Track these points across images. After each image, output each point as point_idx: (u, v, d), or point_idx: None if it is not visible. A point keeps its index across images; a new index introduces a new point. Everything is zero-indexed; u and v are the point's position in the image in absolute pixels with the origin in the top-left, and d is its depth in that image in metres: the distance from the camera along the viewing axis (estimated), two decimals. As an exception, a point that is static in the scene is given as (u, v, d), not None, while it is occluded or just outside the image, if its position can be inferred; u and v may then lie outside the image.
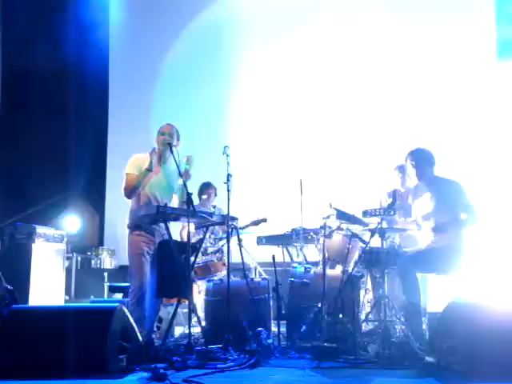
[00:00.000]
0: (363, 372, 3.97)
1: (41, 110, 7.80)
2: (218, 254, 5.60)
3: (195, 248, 4.99)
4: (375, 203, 6.01)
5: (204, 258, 5.61)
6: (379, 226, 4.65)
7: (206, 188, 6.55)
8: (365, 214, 4.77)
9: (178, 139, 4.90)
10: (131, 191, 4.80)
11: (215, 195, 6.55)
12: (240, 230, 5.48)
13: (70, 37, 7.84)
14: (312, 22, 8.17)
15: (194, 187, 6.10)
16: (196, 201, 6.39)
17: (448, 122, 7.66)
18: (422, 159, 4.97)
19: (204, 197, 6.45)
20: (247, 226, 6.14)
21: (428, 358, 4.00)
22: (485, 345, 3.67)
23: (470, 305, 4.05)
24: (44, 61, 7.61)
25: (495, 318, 3.78)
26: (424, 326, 4.61)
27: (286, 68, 8.25)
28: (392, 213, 4.78)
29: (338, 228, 5.19)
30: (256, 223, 6.21)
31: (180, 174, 4.68)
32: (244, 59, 8.33)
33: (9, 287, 5.23)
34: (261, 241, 6.05)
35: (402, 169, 6.07)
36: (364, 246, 4.86)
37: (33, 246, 6.31)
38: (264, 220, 6.18)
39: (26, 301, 5.81)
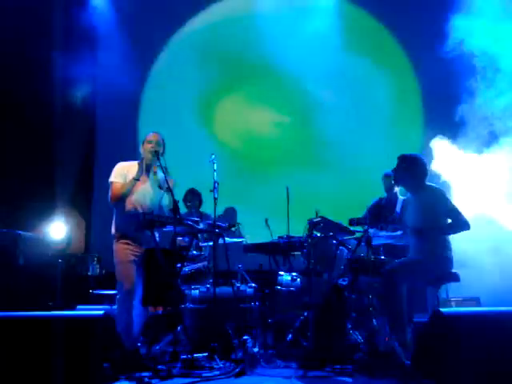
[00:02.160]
0: (349, 381, 3.98)
1: (27, 116, 7.74)
2: (204, 262, 5.58)
3: (182, 256, 4.98)
4: (361, 212, 6.05)
5: (191, 265, 5.59)
6: (365, 235, 4.67)
7: (191, 194, 6.56)
8: (351, 222, 4.79)
9: (163, 147, 4.91)
10: (117, 199, 4.81)
11: (201, 202, 6.58)
12: (226, 238, 5.49)
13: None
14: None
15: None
16: (184, 208, 6.43)
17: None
18: (401, 165, 4.90)
19: (189, 203, 6.47)
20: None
21: (413, 368, 4.00)
22: (469, 355, 3.70)
23: (454, 314, 4.06)
24: (29, 64, 7.55)
25: (481, 327, 3.81)
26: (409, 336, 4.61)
27: (271, 70, 8.24)
28: (380, 227, 4.80)
29: (325, 236, 5.18)
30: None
31: (166, 182, 4.68)
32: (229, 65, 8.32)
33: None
34: (248, 249, 6.03)
35: (386, 175, 6.12)
36: (350, 254, 4.87)
37: (18, 252, 6.26)
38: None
39: (11, 309, 5.74)
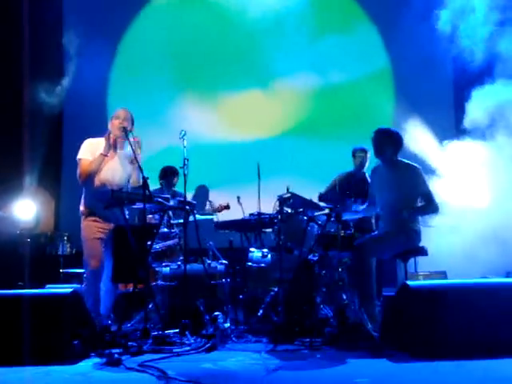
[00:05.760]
0: (318, 354, 4.04)
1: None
2: (175, 239, 5.57)
3: (152, 233, 4.96)
4: (330, 187, 6.10)
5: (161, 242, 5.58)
6: (334, 210, 4.70)
7: (168, 172, 6.50)
8: (320, 198, 4.82)
9: (132, 124, 4.86)
10: (86, 176, 4.77)
11: (177, 179, 6.52)
12: (199, 216, 5.49)
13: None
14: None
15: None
16: (157, 185, 6.36)
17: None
18: (384, 137, 4.93)
19: (161, 181, 6.42)
20: (209, 214, 6.14)
21: (381, 340, 4.08)
22: (436, 325, 3.79)
23: (421, 286, 4.14)
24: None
25: (447, 298, 3.90)
26: (377, 309, 4.69)
27: (240, 50, 8.19)
28: (352, 199, 4.83)
29: (295, 212, 5.21)
30: (218, 210, 6.22)
31: (135, 158, 4.64)
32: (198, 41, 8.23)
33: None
34: (219, 226, 6.04)
35: (363, 150, 6.16)
36: (320, 230, 4.91)
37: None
38: (227, 207, 6.19)
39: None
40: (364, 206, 5.12)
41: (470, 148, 6.47)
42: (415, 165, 4.94)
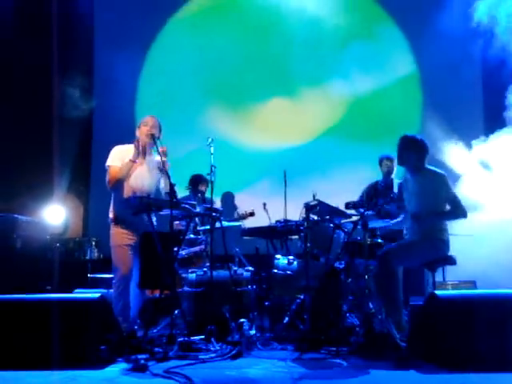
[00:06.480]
0: (344, 363, 4.00)
1: (25, 101, 7.73)
2: (201, 246, 5.59)
3: (178, 239, 4.99)
4: (357, 195, 6.07)
5: (188, 249, 5.61)
6: (362, 218, 4.67)
7: (196, 180, 6.52)
8: (347, 205, 4.79)
9: (160, 131, 4.90)
10: (115, 183, 4.82)
11: (207, 187, 6.54)
12: (225, 222, 5.50)
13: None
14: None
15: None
16: (183, 192, 6.39)
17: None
18: (407, 145, 4.86)
19: (189, 188, 6.45)
20: (235, 220, 6.16)
21: (408, 350, 4.03)
22: (464, 336, 3.73)
23: (449, 296, 4.08)
24: (27, 52, 7.54)
25: (475, 309, 3.83)
26: (405, 318, 4.63)
27: (268, 57, 8.22)
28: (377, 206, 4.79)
29: (322, 219, 5.19)
30: (243, 217, 6.23)
31: (163, 165, 4.67)
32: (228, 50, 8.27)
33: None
34: (245, 232, 6.05)
35: (389, 158, 6.10)
36: (347, 237, 4.88)
37: (15, 236, 6.29)
38: (252, 214, 6.20)
39: (9, 292, 5.76)
40: (400, 219, 5.05)
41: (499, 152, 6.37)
42: (440, 171, 4.85)
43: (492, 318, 3.76)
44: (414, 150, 4.83)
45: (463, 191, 5.66)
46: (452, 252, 4.79)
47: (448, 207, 4.78)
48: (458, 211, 4.75)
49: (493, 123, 6.90)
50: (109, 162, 4.86)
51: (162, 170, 4.68)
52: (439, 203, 4.77)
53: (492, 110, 7.50)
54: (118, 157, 4.86)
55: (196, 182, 6.52)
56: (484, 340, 3.70)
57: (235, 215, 6.45)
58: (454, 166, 6.63)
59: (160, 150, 4.69)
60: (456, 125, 7.13)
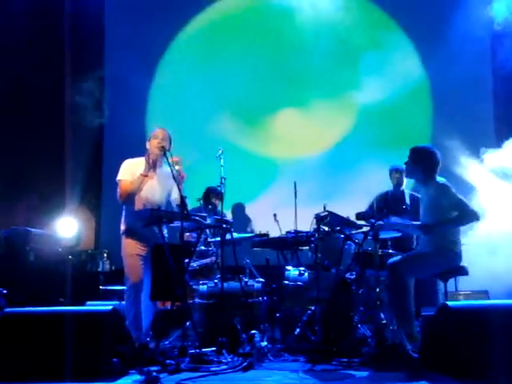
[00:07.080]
0: (356, 374, 3.99)
1: (37, 114, 7.81)
2: (212, 257, 5.60)
3: (190, 251, 5.02)
4: (368, 206, 6.06)
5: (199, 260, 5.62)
6: (372, 229, 4.66)
7: (208, 192, 6.52)
8: (358, 216, 4.79)
9: (170, 143, 4.93)
10: (126, 197, 4.86)
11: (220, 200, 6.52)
12: (236, 234, 5.50)
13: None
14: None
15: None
16: (194, 204, 6.40)
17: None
18: (415, 157, 4.80)
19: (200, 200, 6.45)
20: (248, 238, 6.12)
21: (421, 361, 4.01)
22: (477, 347, 3.70)
23: (461, 307, 4.06)
24: (39, 64, 7.65)
25: (488, 320, 3.81)
26: (417, 329, 4.61)
27: (278, 68, 8.24)
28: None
29: (332, 230, 5.19)
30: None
31: (174, 178, 4.69)
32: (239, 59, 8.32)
33: (2, 291, 5.24)
34: (256, 244, 6.05)
35: (398, 170, 6.09)
36: (358, 248, 4.87)
37: (28, 249, 6.34)
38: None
39: (22, 304, 5.81)
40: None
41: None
42: (441, 182, 4.75)
43: (505, 329, 3.73)
44: (421, 163, 4.77)
45: (477, 201, 5.62)
46: (464, 261, 4.74)
47: (455, 214, 4.71)
48: (466, 215, 4.62)
49: (504, 134, 6.86)
50: (120, 177, 4.90)
51: (176, 178, 4.68)
52: (444, 213, 4.67)
53: (503, 120, 7.48)
54: (129, 171, 4.89)
55: (209, 194, 6.51)
56: (496, 351, 3.67)
57: (248, 230, 6.43)
58: (466, 176, 6.59)
59: (173, 159, 4.72)
60: (467, 135, 7.10)
